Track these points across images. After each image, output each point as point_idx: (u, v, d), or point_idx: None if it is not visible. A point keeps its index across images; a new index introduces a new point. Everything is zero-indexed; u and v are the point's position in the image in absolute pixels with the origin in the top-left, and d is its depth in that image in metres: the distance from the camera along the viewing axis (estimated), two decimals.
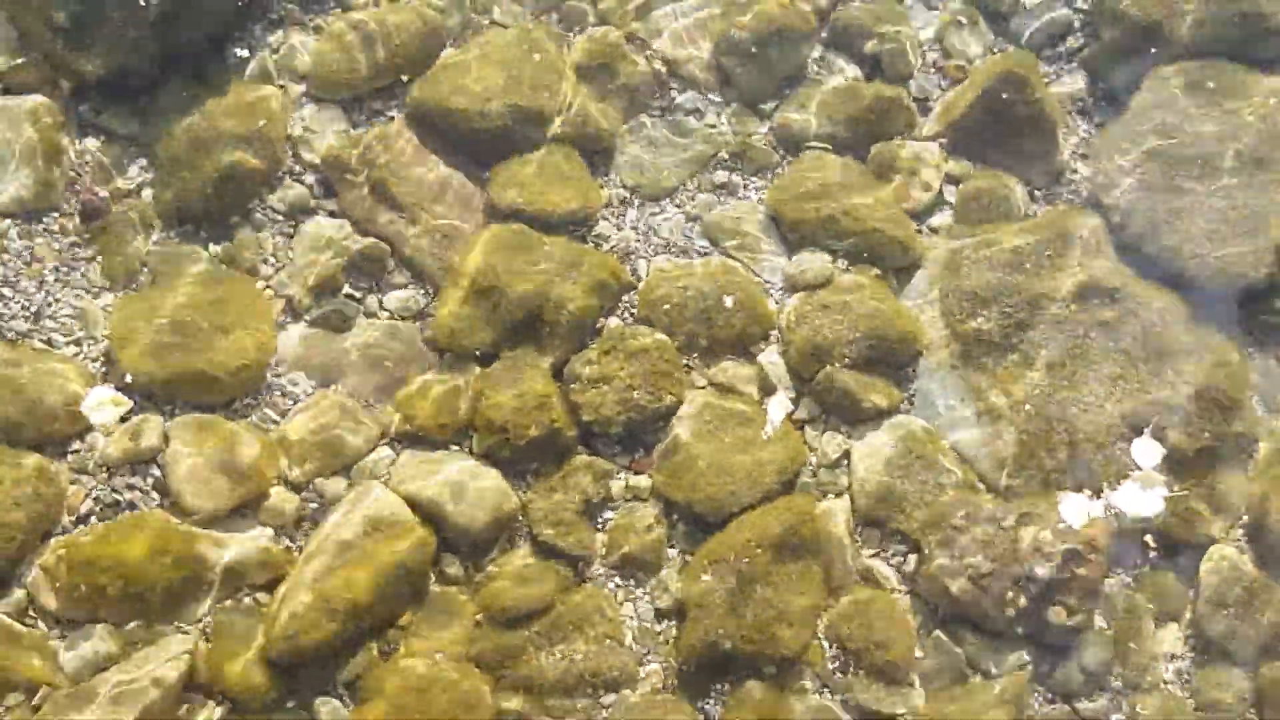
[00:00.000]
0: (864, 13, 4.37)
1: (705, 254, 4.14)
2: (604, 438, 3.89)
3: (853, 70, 4.37)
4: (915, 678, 3.71)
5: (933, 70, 4.40)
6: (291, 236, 4.05)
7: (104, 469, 3.71)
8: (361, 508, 3.68)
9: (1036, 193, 4.25)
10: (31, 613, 3.57)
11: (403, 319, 4.00)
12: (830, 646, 3.73)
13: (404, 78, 4.18)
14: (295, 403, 3.88)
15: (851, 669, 3.70)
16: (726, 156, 4.26)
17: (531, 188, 4.05)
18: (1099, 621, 3.76)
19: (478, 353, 3.91)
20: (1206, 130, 4.08)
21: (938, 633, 3.75)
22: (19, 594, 3.57)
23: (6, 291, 3.87)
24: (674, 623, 3.76)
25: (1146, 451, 3.84)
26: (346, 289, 4.01)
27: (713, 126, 4.29)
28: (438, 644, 3.63)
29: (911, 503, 3.83)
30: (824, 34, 4.40)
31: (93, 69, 3.96)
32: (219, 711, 3.52)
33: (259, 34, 4.23)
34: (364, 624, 3.57)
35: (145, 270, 3.97)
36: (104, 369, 3.82)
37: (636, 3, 4.36)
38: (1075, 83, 4.37)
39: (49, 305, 3.88)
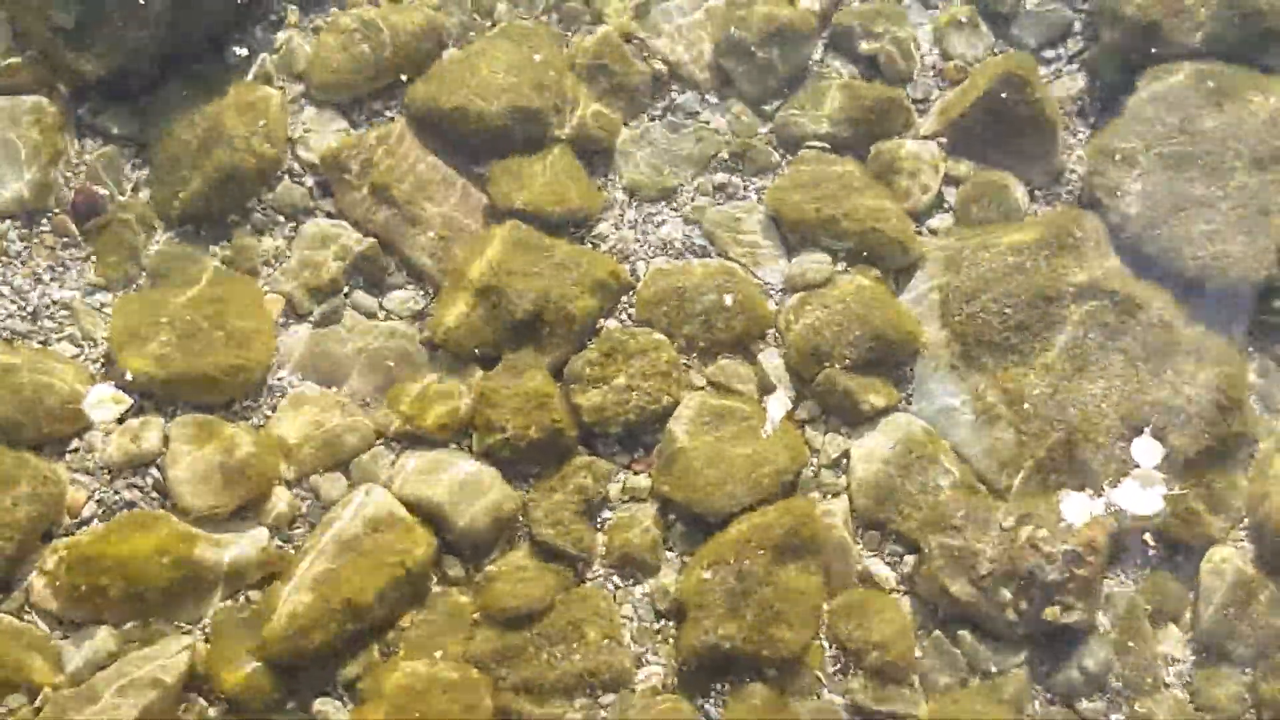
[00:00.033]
0: (863, 13, 4.37)
1: (705, 255, 4.14)
2: (604, 438, 3.90)
3: (853, 70, 4.37)
4: (915, 678, 3.72)
5: (932, 71, 4.40)
6: (291, 237, 4.05)
7: (104, 469, 3.71)
8: (361, 508, 3.68)
9: (1036, 193, 4.25)
10: (32, 612, 3.58)
11: (402, 319, 4.00)
12: (830, 647, 3.73)
13: (404, 77, 4.18)
14: (295, 402, 3.87)
15: (852, 670, 3.71)
16: (726, 157, 4.26)
17: (531, 188, 4.05)
18: (1099, 622, 3.76)
19: (477, 353, 3.91)
20: (1207, 130, 4.08)
21: (937, 633, 3.75)
22: (20, 594, 3.57)
23: (5, 291, 3.88)
24: (673, 623, 3.76)
25: (1147, 450, 3.84)
26: (346, 289, 4.01)
27: (713, 127, 4.29)
28: (438, 645, 3.63)
29: (911, 503, 3.83)
30: (825, 34, 4.40)
31: (92, 70, 3.96)
32: (219, 712, 3.52)
33: (259, 34, 4.23)
34: (364, 624, 3.57)
35: (144, 271, 3.97)
36: (103, 369, 3.83)
37: (636, 2, 4.36)
38: (1075, 83, 4.36)
39: (47, 306, 3.88)
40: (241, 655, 3.51)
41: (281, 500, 3.74)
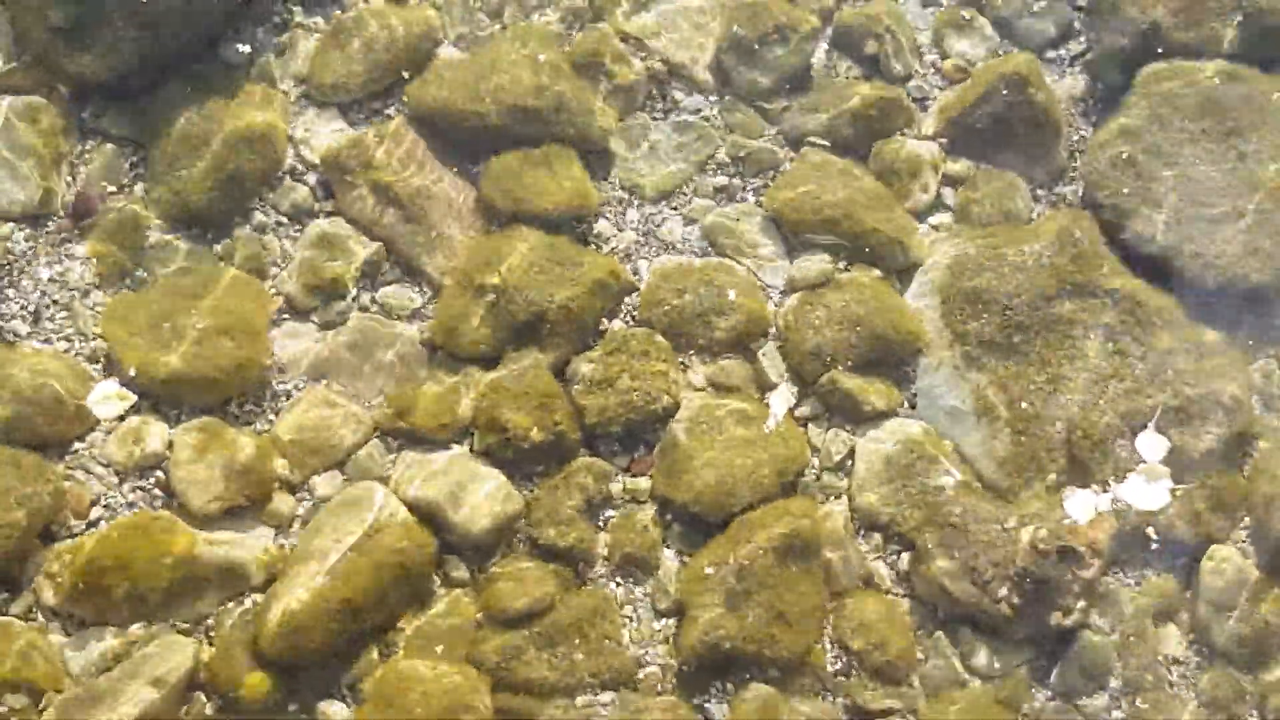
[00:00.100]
0: (864, 12, 4.36)
1: (705, 255, 4.13)
2: (605, 439, 3.90)
3: (854, 70, 4.36)
4: (915, 678, 3.72)
5: (931, 70, 4.39)
6: (291, 237, 4.05)
7: (106, 469, 3.72)
8: (358, 508, 3.68)
9: (1039, 193, 4.24)
10: (36, 613, 3.59)
11: (401, 318, 4.00)
12: (832, 647, 3.74)
13: (405, 74, 4.18)
14: (292, 400, 3.88)
15: (853, 670, 3.71)
16: (726, 158, 4.26)
17: (529, 187, 4.05)
18: (1099, 621, 3.77)
19: (476, 353, 3.91)
20: (1205, 130, 4.07)
21: (938, 633, 3.76)
22: (23, 594, 3.58)
23: (11, 293, 3.88)
24: (673, 622, 3.76)
25: (1151, 445, 3.84)
26: (346, 290, 4.00)
27: (713, 126, 4.28)
28: (438, 645, 3.64)
29: (912, 503, 3.83)
30: (827, 33, 4.39)
31: (91, 71, 3.96)
32: (221, 713, 3.53)
33: (260, 35, 4.22)
34: (364, 625, 3.58)
35: (144, 271, 3.97)
36: (104, 370, 3.83)
37: (635, 1, 4.35)
38: (1076, 83, 4.36)
39: (48, 306, 3.89)
40: (243, 656, 3.52)
41: (283, 501, 3.75)
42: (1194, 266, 3.97)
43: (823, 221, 4.06)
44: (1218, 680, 3.75)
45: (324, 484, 3.80)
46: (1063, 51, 4.42)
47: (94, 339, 3.85)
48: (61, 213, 3.99)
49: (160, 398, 3.79)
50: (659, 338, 3.95)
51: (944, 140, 4.26)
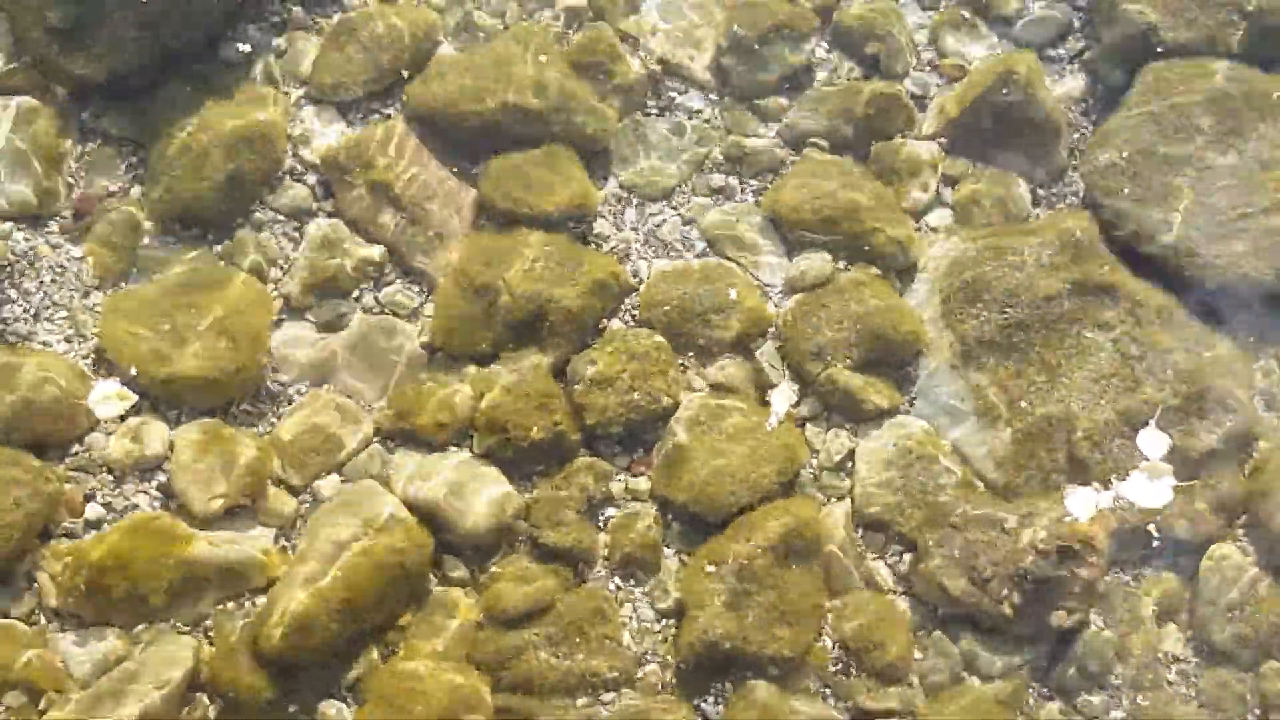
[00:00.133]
0: (862, 11, 4.36)
1: (704, 255, 4.13)
2: (605, 439, 3.90)
3: (853, 69, 4.36)
4: (915, 678, 3.72)
5: (929, 68, 4.39)
6: (291, 237, 4.05)
7: (104, 469, 3.72)
8: (357, 508, 3.69)
9: (1039, 193, 4.24)
10: (37, 613, 3.59)
11: (400, 318, 4.00)
12: (832, 647, 3.74)
13: (405, 74, 4.18)
14: (293, 403, 3.88)
15: (853, 670, 3.71)
16: (723, 158, 4.25)
17: (529, 187, 4.05)
18: (1098, 621, 3.77)
19: (475, 353, 3.91)
20: (1205, 129, 4.07)
21: (937, 633, 3.76)
22: (23, 595, 3.58)
23: (11, 293, 3.88)
24: (673, 622, 3.77)
25: (1153, 442, 3.84)
26: (345, 290, 4.01)
27: (711, 126, 4.28)
28: (437, 645, 3.64)
29: (912, 503, 3.83)
30: (825, 32, 4.39)
31: (91, 71, 3.96)
32: (221, 713, 3.54)
33: (259, 35, 4.22)
34: (363, 625, 3.58)
35: (145, 271, 3.97)
36: (104, 370, 3.83)
37: (634, 0, 4.36)
38: (1076, 83, 4.35)
39: (49, 307, 3.89)
40: (244, 656, 3.52)
41: (283, 502, 3.75)
42: (1194, 265, 3.97)
43: (822, 221, 4.06)
44: (1218, 679, 3.75)
45: (324, 485, 3.80)
46: (1062, 50, 4.41)
47: (93, 339, 3.85)
48: (61, 213, 4.00)
49: (160, 398, 3.80)
50: (659, 337, 3.95)
51: (944, 140, 4.26)
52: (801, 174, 4.17)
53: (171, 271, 3.96)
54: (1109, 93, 4.29)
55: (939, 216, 4.21)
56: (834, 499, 3.88)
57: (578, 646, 3.67)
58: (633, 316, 4.03)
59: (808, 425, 3.95)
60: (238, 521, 3.71)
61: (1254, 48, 4.19)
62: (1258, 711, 3.73)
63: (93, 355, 3.85)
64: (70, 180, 4.03)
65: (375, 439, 3.87)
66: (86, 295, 3.92)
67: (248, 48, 4.19)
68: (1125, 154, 4.09)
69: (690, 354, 3.99)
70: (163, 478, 3.72)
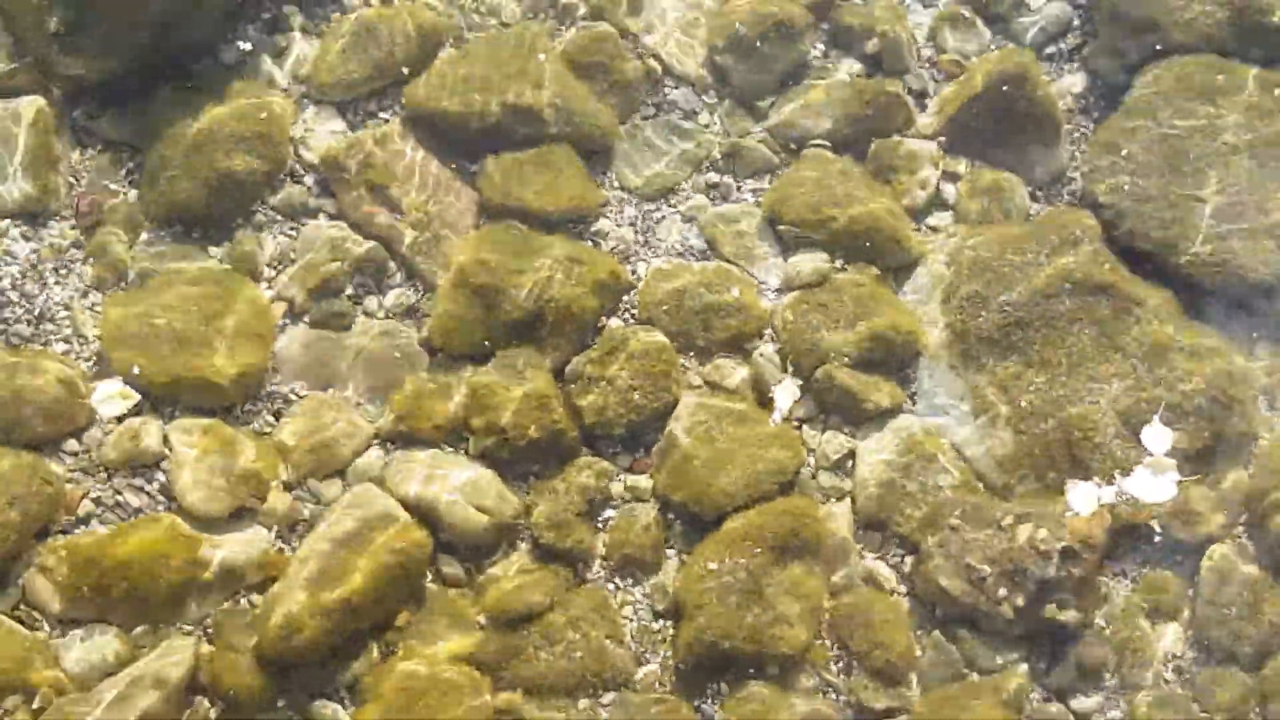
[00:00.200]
0: (861, 9, 4.35)
1: (703, 254, 4.13)
2: (605, 438, 3.90)
3: (852, 67, 4.36)
4: (914, 678, 3.72)
5: (928, 65, 4.38)
6: (292, 238, 4.05)
7: (104, 470, 3.73)
8: (356, 508, 3.69)
9: (1037, 191, 4.24)
10: (35, 614, 3.59)
11: (398, 318, 4.00)
12: (832, 647, 3.74)
13: (405, 70, 4.18)
14: (292, 405, 3.88)
15: (853, 669, 3.71)
16: (720, 157, 4.25)
17: (528, 186, 4.05)
18: (1098, 620, 3.76)
19: (474, 353, 3.91)
20: (1203, 126, 4.06)
21: (936, 633, 3.75)
22: (22, 595, 3.59)
23: (14, 295, 3.89)
24: (672, 622, 3.77)
25: (1157, 437, 3.83)
26: (345, 291, 4.01)
27: (709, 126, 4.28)
28: (437, 645, 3.65)
29: (911, 503, 3.83)
30: (824, 30, 4.38)
31: (89, 73, 3.97)
32: (220, 713, 3.54)
33: (258, 35, 4.22)
34: (361, 624, 3.58)
35: (144, 273, 3.97)
36: (104, 370, 3.83)
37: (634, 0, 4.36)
38: (1075, 81, 4.35)
39: (49, 308, 3.89)
40: (243, 656, 3.53)
41: (281, 502, 3.76)
42: (1194, 263, 3.96)
43: (821, 220, 4.05)
44: (1217, 679, 3.75)
45: (323, 486, 3.80)
46: (1061, 48, 4.41)
47: (94, 340, 3.86)
48: (60, 215, 4.00)
49: (160, 400, 3.80)
50: (660, 336, 3.95)
51: (943, 139, 4.25)
52: (801, 173, 4.17)
53: (172, 272, 3.96)
54: (1108, 90, 4.28)
55: (938, 215, 4.21)
56: (834, 499, 3.88)
57: (578, 646, 3.67)
58: (632, 315, 4.03)
59: (805, 426, 3.94)
60: (238, 522, 3.71)
61: (1255, 47, 4.18)
62: (1258, 711, 3.73)
63: (93, 356, 3.85)
64: (69, 181, 4.03)
65: (375, 440, 3.87)
66: (86, 296, 3.92)
67: (248, 47, 4.19)
68: (1125, 152, 4.08)
69: (690, 353, 3.99)
70: (163, 478, 3.73)
